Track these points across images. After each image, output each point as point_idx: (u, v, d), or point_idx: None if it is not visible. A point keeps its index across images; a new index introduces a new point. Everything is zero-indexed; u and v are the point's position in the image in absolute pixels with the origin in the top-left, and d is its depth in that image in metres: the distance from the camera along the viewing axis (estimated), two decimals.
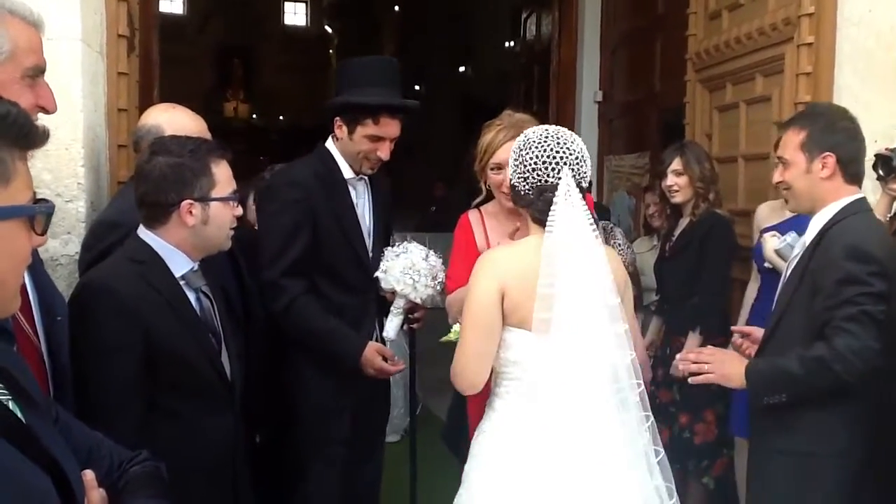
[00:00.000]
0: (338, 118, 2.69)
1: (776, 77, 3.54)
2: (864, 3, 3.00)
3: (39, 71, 1.74)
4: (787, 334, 2.28)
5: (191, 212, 1.96)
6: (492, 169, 2.55)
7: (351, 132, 2.67)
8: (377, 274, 2.67)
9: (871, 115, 2.86)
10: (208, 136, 2.31)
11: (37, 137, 1.14)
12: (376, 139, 2.66)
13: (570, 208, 1.91)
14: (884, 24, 2.91)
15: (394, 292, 2.65)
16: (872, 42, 2.96)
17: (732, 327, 2.52)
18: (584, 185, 1.97)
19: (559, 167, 1.93)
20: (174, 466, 1.83)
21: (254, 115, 19.72)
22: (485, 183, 2.63)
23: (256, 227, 2.89)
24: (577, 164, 1.95)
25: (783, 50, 3.44)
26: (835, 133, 2.28)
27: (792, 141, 2.31)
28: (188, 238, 2.00)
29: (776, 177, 2.40)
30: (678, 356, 2.58)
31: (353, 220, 2.75)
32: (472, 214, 2.67)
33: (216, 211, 2.00)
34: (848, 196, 2.27)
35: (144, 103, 3.14)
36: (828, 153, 2.25)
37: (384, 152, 2.69)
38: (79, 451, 1.28)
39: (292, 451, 2.70)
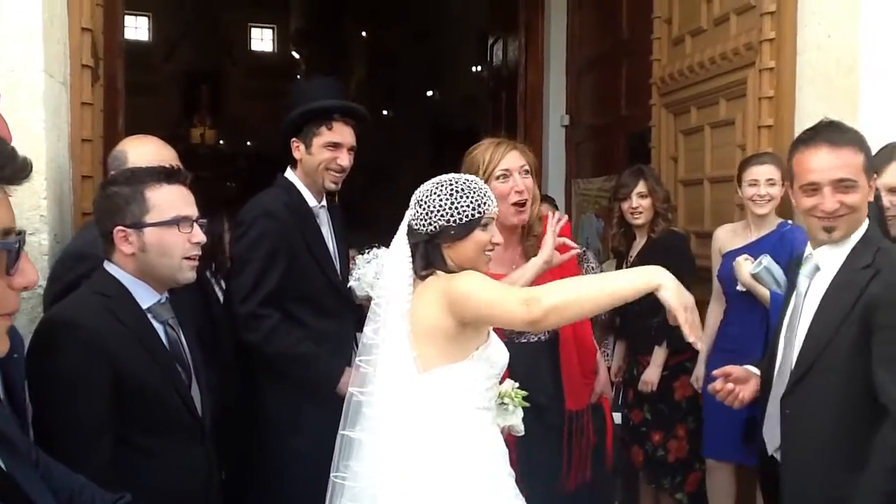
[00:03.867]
0: (294, 139, 2.77)
1: (739, 101, 3.61)
2: (824, 29, 3.07)
3: None
4: (825, 377, 2.03)
5: (126, 239, 1.93)
6: (497, 178, 2.55)
7: (308, 146, 2.75)
8: (351, 283, 2.73)
9: None
10: (176, 163, 2.28)
11: (16, 171, 1.11)
12: (333, 146, 2.74)
13: (393, 245, 2.03)
14: (843, 49, 2.97)
15: (369, 299, 2.65)
16: (832, 67, 3.02)
17: (714, 372, 2.31)
18: (414, 225, 2.00)
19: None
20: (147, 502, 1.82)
21: (220, 141, 19.59)
22: None
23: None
24: (413, 207, 2.02)
25: (745, 74, 3.51)
26: (873, 155, 2.17)
27: (854, 162, 2.04)
28: (137, 268, 1.96)
29: (832, 203, 2.03)
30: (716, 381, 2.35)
31: (324, 247, 2.78)
32: None
33: (153, 237, 1.95)
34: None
35: (109, 132, 3.11)
36: (874, 175, 2.12)
37: (343, 159, 2.76)
38: (60, 496, 1.24)
39: (260, 487, 2.65)
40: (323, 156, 2.74)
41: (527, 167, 2.59)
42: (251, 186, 2.90)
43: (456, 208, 1.95)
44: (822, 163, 2.04)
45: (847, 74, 2.95)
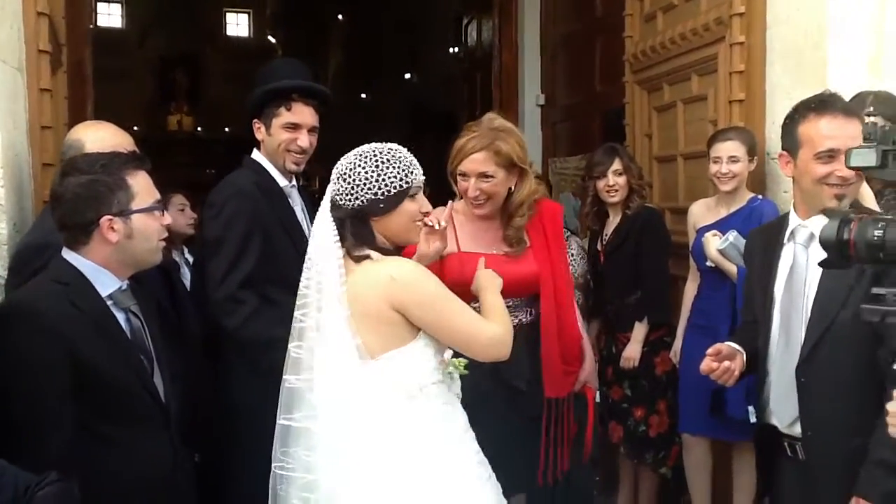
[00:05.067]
0: (255, 120, 2.74)
1: (711, 76, 3.60)
2: (793, 3, 3.06)
3: None
4: (840, 343, 2.02)
5: (112, 228, 1.90)
6: (459, 175, 2.52)
7: (268, 127, 2.73)
8: None
9: None
10: (133, 148, 2.24)
11: None
12: (292, 127, 2.71)
13: (317, 223, 1.97)
14: (811, 22, 2.96)
15: None
16: (801, 39, 3.01)
17: (708, 351, 2.20)
18: (339, 200, 1.94)
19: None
20: (110, 491, 1.82)
21: (198, 128, 19.42)
22: (455, 185, 2.61)
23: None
24: (332, 180, 1.97)
25: (716, 49, 3.50)
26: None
27: (861, 133, 1.98)
28: (113, 255, 1.94)
29: (849, 171, 1.96)
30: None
31: (298, 227, 2.74)
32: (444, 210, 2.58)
33: (139, 223, 1.94)
34: None
35: (76, 120, 3.04)
36: None
37: (303, 140, 2.73)
38: None
39: (234, 472, 2.63)
40: (282, 137, 2.70)
41: (488, 172, 2.47)
42: (229, 171, 2.86)
43: (382, 180, 1.90)
44: (841, 130, 2.03)
45: (815, 48, 2.94)
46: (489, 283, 2.14)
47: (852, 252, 1.59)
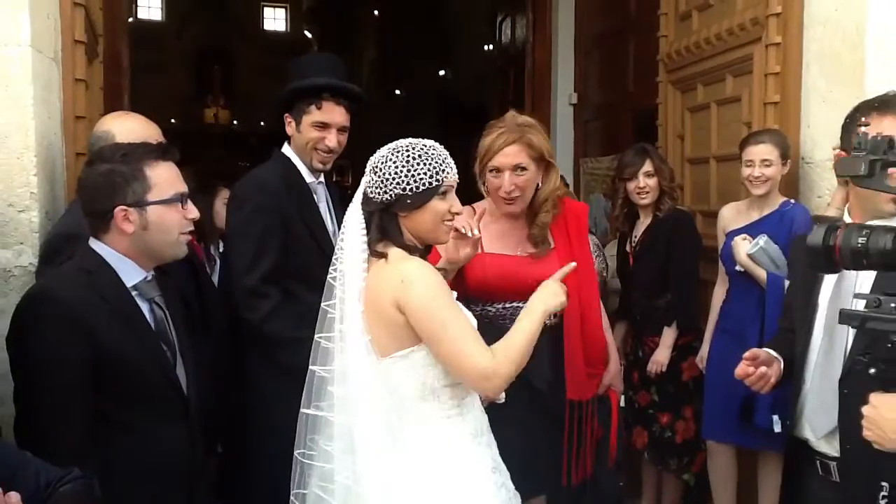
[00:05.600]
0: (287, 115, 2.72)
1: (745, 77, 3.54)
2: (830, 3, 2.99)
3: None
4: None
5: (127, 218, 1.90)
6: (490, 171, 2.51)
7: (298, 123, 2.71)
8: None
9: (838, 115, 2.81)
10: (161, 139, 2.26)
11: None
12: (322, 126, 2.68)
13: (348, 214, 1.94)
14: (849, 23, 2.89)
15: None
16: (839, 42, 2.94)
17: (744, 355, 2.12)
18: (374, 195, 1.90)
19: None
20: (126, 480, 1.83)
21: (234, 121, 19.61)
22: (484, 185, 2.60)
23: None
24: (368, 173, 1.93)
25: (751, 50, 3.44)
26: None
27: None
28: (132, 246, 1.94)
29: None
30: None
31: (321, 223, 2.74)
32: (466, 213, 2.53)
33: (156, 215, 1.93)
34: None
35: (112, 110, 3.08)
36: None
37: (332, 140, 2.70)
38: (2, 473, 1.22)
39: (256, 461, 2.64)
40: (311, 135, 2.69)
41: (523, 164, 2.49)
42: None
43: (412, 175, 1.86)
44: None
45: (853, 50, 2.87)
46: (540, 302, 1.96)
47: (838, 257, 1.65)
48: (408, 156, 1.88)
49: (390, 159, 1.88)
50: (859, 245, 1.62)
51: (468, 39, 13.88)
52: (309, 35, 18.84)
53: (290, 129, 2.74)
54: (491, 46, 9.06)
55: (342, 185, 3.33)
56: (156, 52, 15.74)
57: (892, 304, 1.60)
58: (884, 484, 1.79)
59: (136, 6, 16.72)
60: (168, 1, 18.58)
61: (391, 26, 17.36)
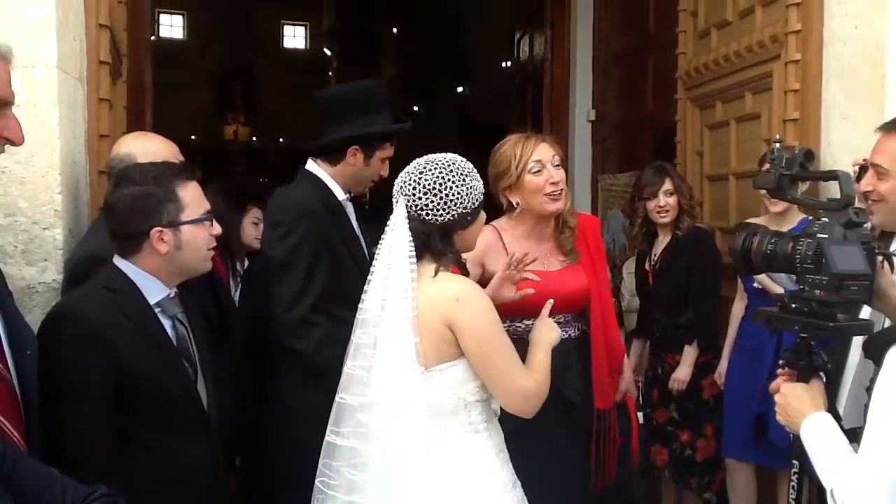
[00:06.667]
0: (355, 147, 2.69)
1: (765, 94, 3.53)
2: (851, 20, 2.99)
3: (5, 103, 1.73)
4: None
5: (162, 239, 1.93)
6: (531, 171, 2.54)
7: (368, 157, 2.71)
8: None
9: (858, 133, 2.84)
10: (180, 159, 2.29)
11: None
12: (385, 160, 2.78)
13: (392, 238, 1.91)
14: (869, 40, 2.89)
15: None
16: (858, 59, 2.93)
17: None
18: (425, 215, 1.89)
19: (397, 198, 1.94)
20: (147, 497, 1.83)
21: (254, 138, 19.78)
22: (506, 199, 2.63)
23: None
24: (411, 194, 1.90)
25: (771, 67, 3.43)
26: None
27: (892, 148, 1.99)
28: (163, 265, 1.97)
29: (865, 185, 2.04)
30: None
31: (358, 243, 2.76)
32: (488, 232, 2.55)
33: (189, 234, 1.97)
34: None
35: (135, 129, 3.12)
36: None
37: (386, 170, 2.79)
38: (28, 492, 1.24)
39: (275, 479, 2.65)
40: (377, 168, 2.76)
41: (558, 158, 2.58)
42: (282, 181, 2.90)
43: (470, 192, 1.90)
44: None
45: (874, 67, 2.86)
46: (545, 336, 2.07)
47: (753, 260, 1.85)
48: (462, 173, 1.92)
49: (448, 179, 1.89)
50: (768, 250, 1.81)
51: (486, 57, 13.93)
52: (328, 53, 19.00)
53: (354, 159, 2.70)
54: (509, 63, 9.09)
55: (360, 200, 3.33)
56: (179, 71, 15.93)
57: (794, 305, 1.77)
58: (795, 462, 1.86)
59: (159, 25, 16.95)
60: (190, 20, 18.82)
61: (410, 44, 17.48)
